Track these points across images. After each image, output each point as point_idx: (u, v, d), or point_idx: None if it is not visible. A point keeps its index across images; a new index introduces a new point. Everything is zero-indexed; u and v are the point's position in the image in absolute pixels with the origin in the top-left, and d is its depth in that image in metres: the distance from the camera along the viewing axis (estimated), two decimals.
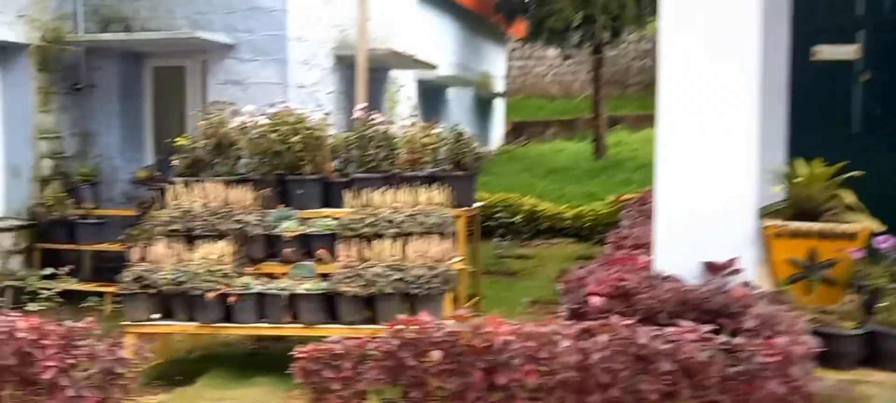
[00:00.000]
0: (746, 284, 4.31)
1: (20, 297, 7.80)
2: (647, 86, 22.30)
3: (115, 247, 8.12)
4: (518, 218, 11.54)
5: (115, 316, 7.40)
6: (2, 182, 8.39)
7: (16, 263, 8.12)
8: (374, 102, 9.57)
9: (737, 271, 4.37)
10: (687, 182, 4.55)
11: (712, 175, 4.47)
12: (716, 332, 3.82)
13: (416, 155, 6.00)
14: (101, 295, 7.80)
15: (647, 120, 19.38)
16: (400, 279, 5.23)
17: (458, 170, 5.98)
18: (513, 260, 9.91)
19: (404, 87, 7.40)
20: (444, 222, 5.53)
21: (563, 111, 21.45)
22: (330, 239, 5.82)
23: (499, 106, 17.88)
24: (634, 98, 21.72)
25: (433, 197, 5.71)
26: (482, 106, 16.49)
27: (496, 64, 17.33)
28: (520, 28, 16.96)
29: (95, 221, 8.37)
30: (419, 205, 5.70)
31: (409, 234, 5.51)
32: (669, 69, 4.45)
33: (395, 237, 5.50)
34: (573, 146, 18.17)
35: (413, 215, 5.58)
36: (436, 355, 3.97)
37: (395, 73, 11.29)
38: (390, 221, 5.58)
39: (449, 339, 4.02)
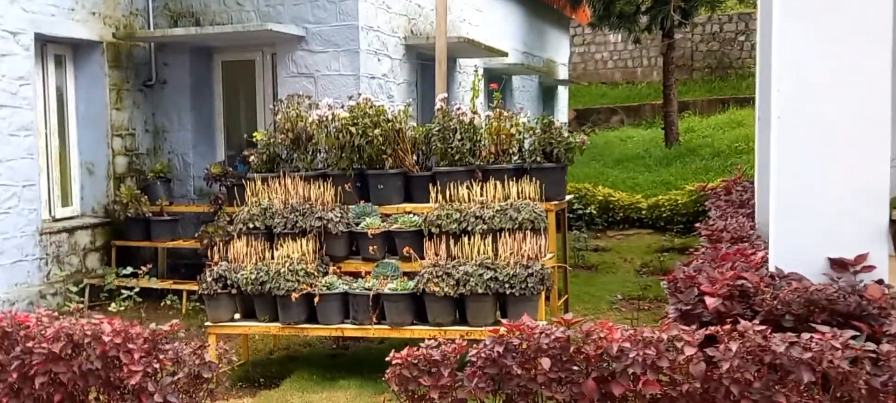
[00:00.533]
0: (881, 283, 3.92)
1: (99, 295, 7.80)
2: (715, 70, 21.55)
3: (190, 244, 8.06)
4: (591, 208, 11.17)
5: (193, 315, 7.33)
6: (78, 180, 8.40)
7: (93, 261, 8.13)
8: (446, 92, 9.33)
9: (869, 268, 3.98)
10: (808, 171, 4.17)
11: (838, 164, 4.08)
12: (853, 338, 3.46)
13: (502, 146, 5.71)
14: (178, 293, 7.74)
15: (716, 105, 18.70)
16: (492, 278, 4.96)
17: (548, 162, 5.66)
18: (589, 253, 9.56)
19: (479, 76, 7.10)
20: (537, 217, 5.23)
21: (628, 97, 20.88)
22: (414, 236, 5.58)
23: (562, 93, 17.45)
24: (702, 83, 21.01)
25: (523, 190, 5.41)
26: (546, 93, 16.10)
27: (559, 50, 16.90)
28: (584, 14, 16.48)
29: (169, 218, 8.33)
30: (508, 199, 5.41)
31: (500, 230, 5.23)
32: (785, 49, 4.09)
33: (484, 233, 5.23)
34: (641, 133, 17.64)
35: (503, 210, 5.30)
36: (544, 363, 3.69)
37: (463, 62, 11.01)
38: (479, 217, 5.31)
39: (557, 345, 3.74)
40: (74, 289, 7.59)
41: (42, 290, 7.41)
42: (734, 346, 3.45)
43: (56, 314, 5.36)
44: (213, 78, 9.21)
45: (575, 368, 3.71)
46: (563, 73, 17.04)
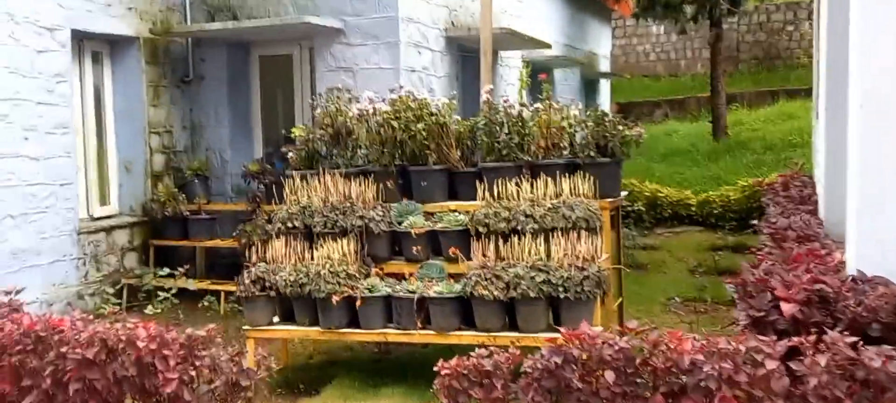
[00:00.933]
0: None
1: (137, 295, 7.66)
2: (762, 61, 20.89)
3: (228, 244, 7.89)
4: (638, 205, 10.78)
5: (231, 317, 7.15)
6: (115, 178, 8.29)
7: (131, 260, 8.00)
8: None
9: None
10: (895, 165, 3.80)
11: None
12: None
13: (553, 140, 5.40)
14: (216, 294, 7.57)
15: (765, 97, 18.09)
16: (545, 281, 4.65)
17: (602, 156, 5.34)
18: (638, 252, 9.19)
19: (527, 68, 6.80)
20: (592, 215, 4.91)
21: (671, 90, 20.35)
22: (460, 236, 5.30)
23: (604, 87, 17.01)
24: (748, 74, 20.38)
25: (576, 186, 5.09)
26: (588, 87, 15.69)
27: (601, 42, 16.47)
28: (626, 5, 16.03)
29: (207, 217, 8.17)
30: (560, 197, 5.10)
31: (552, 230, 4.92)
32: (867, 32, 3.73)
33: (535, 233, 4.93)
34: (687, 127, 17.14)
35: (555, 208, 4.98)
36: (608, 376, 3.39)
37: (504, 55, 10.70)
38: (529, 215, 5.01)
39: (622, 356, 3.43)
40: (112, 290, 7.46)
41: (80, 290, 7.30)
42: (822, 360, 3.10)
43: (90, 317, 5.20)
44: (251, 73, 9.04)
45: (640, 381, 3.40)
46: (604, 66, 16.62)
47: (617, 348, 3.42)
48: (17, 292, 5.31)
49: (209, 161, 8.76)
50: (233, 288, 7.40)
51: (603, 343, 3.45)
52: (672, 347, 3.38)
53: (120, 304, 7.37)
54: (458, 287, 4.96)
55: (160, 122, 8.49)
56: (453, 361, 3.88)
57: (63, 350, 4.59)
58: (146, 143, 8.31)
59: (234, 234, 7.74)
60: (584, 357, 3.47)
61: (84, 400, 4.56)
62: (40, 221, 6.96)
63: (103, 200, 8.19)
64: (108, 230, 7.78)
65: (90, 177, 8.03)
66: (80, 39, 7.80)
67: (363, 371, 5.52)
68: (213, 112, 8.83)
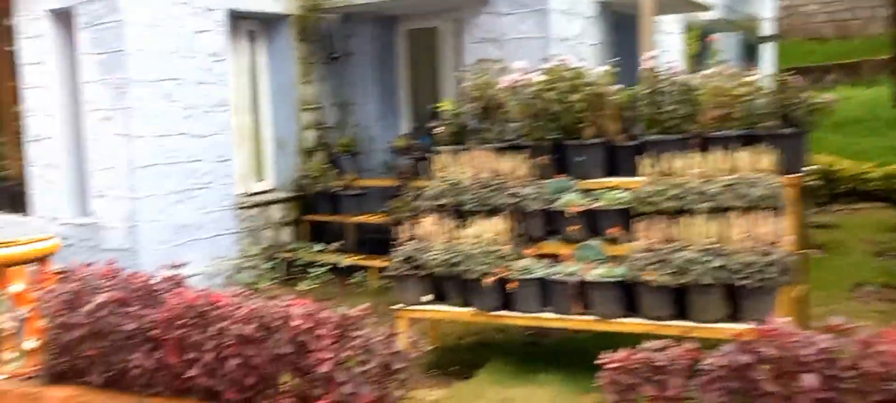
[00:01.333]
0: None
1: (290, 269, 7.81)
2: None
3: (376, 219, 7.88)
4: (812, 179, 9.83)
5: (381, 293, 7.12)
6: (271, 155, 8.48)
7: (285, 235, 8.18)
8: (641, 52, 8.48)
9: None
10: None
11: None
12: None
13: (725, 109, 4.87)
14: (366, 269, 7.58)
15: None
16: (721, 266, 4.20)
17: (786, 127, 4.76)
18: (814, 231, 8.36)
19: (694, 32, 6.26)
20: (774, 193, 4.38)
21: (842, 54, 18.59)
22: (620, 215, 4.92)
23: (767, 51, 15.75)
24: None
25: (756, 161, 4.57)
26: (749, 52, 14.56)
27: (763, 3, 15.23)
28: None
29: (357, 193, 8.20)
30: (736, 172, 4.60)
31: (728, 209, 4.44)
32: None
33: (709, 213, 4.46)
34: (862, 93, 15.58)
35: (731, 185, 4.49)
36: (808, 380, 2.94)
37: (659, 19, 10.03)
38: (702, 193, 4.54)
39: (823, 358, 2.97)
40: (267, 265, 7.64)
41: (238, 264, 7.52)
42: None
43: (248, 292, 5.27)
44: (397, 48, 8.96)
45: (849, 388, 2.93)
46: (766, 29, 15.38)
47: (818, 348, 2.97)
48: (181, 266, 5.47)
49: (358, 137, 8.79)
50: (382, 264, 7.38)
51: (801, 341, 3.00)
52: (887, 349, 2.88)
53: (276, 279, 7.54)
54: (620, 270, 4.59)
55: (311, 99, 8.60)
56: (621, 353, 3.55)
57: (223, 325, 4.65)
58: (298, 120, 8.44)
59: (382, 210, 7.72)
60: (777, 356, 3.03)
61: (243, 375, 4.60)
62: (201, 197, 7.21)
63: (259, 176, 8.41)
64: (264, 205, 7.98)
65: (247, 153, 8.26)
66: (236, 19, 7.99)
67: (516, 356, 5.28)
68: (361, 88, 8.84)
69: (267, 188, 8.40)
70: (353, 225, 8.32)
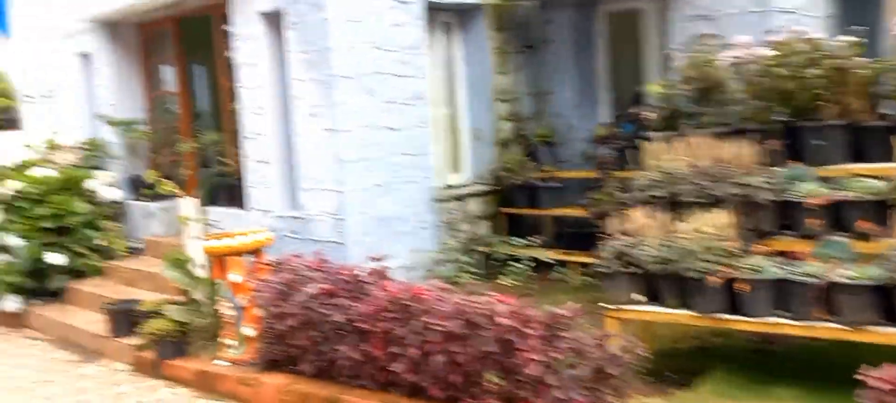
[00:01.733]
0: None
1: (488, 264, 7.66)
2: None
3: (576, 212, 7.53)
4: None
5: (583, 290, 6.78)
6: (467, 146, 8.39)
7: (482, 229, 8.05)
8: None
9: None
10: None
11: None
12: None
13: None
14: (566, 265, 7.25)
15: None
16: None
17: None
18: None
19: None
20: None
21: None
22: (873, 208, 4.23)
23: None
24: None
25: None
26: None
27: None
28: None
29: (555, 185, 7.89)
30: None
31: None
32: None
33: None
34: None
35: None
36: None
37: None
38: None
39: None
40: (465, 259, 7.54)
41: (437, 258, 7.48)
42: None
43: (450, 286, 5.14)
44: (596, 32, 8.53)
45: None
46: None
47: None
48: (385, 259, 5.46)
49: (555, 126, 8.48)
50: (584, 260, 7.03)
51: None
52: None
53: (475, 274, 7.42)
54: (874, 271, 3.93)
55: (506, 89, 8.40)
56: (889, 371, 2.98)
57: (426, 320, 4.55)
58: (494, 111, 8.28)
59: (582, 203, 7.36)
60: None
61: (447, 372, 4.47)
62: (402, 190, 7.24)
63: (456, 169, 8.35)
64: (461, 198, 7.89)
65: (443, 146, 8.23)
66: (432, 11, 7.96)
67: (743, 364, 4.74)
68: (558, 76, 8.52)
69: (464, 181, 8.32)
70: (551, 218, 8.02)
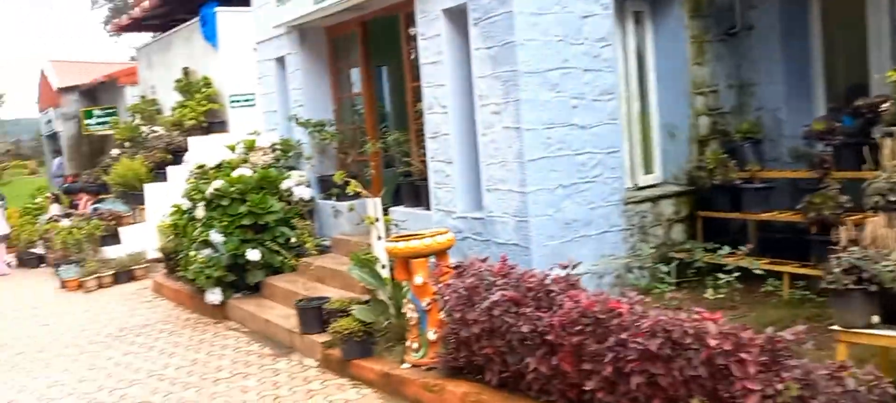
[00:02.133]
0: None
1: (685, 272, 7.04)
2: None
3: (786, 217, 6.73)
4: None
5: (797, 305, 6.03)
6: (658, 144, 7.82)
7: (677, 233, 7.44)
8: None
9: None
10: None
11: None
12: None
13: None
14: (776, 275, 6.47)
15: None
16: None
17: None
18: None
19: None
20: None
21: None
22: None
23: None
24: None
25: None
26: None
27: None
28: None
29: (761, 186, 7.13)
30: None
31: None
32: None
33: None
34: None
35: None
36: None
37: None
38: None
39: None
40: (660, 266, 6.97)
41: (627, 263, 6.99)
42: None
43: (647, 299, 4.69)
44: (810, 17, 7.62)
45: None
46: None
47: None
48: (574, 266, 5.10)
49: (761, 122, 7.68)
50: (799, 271, 6.25)
51: None
52: None
53: (670, 283, 6.83)
54: None
55: (704, 82, 7.72)
56: None
57: (623, 336, 4.13)
58: (690, 105, 7.63)
59: (794, 206, 6.56)
60: None
61: (647, 396, 4.04)
62: (589, 191, 6.82)
63: (647, 168, 7.80)
64: (654, 200, 7.33)
65: (634, 143, 7.71)
66: (623, 1, 7.46)
67: None
68: (764, 66, 7.70)
69: (656, 181, 7.75)
70: (756, 223, 7.25)
